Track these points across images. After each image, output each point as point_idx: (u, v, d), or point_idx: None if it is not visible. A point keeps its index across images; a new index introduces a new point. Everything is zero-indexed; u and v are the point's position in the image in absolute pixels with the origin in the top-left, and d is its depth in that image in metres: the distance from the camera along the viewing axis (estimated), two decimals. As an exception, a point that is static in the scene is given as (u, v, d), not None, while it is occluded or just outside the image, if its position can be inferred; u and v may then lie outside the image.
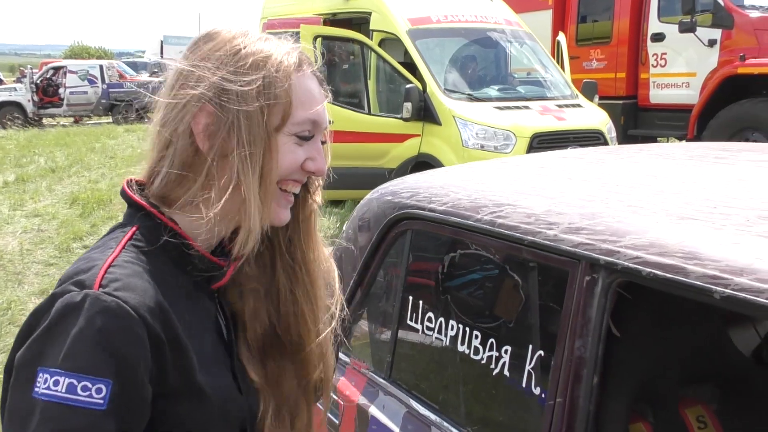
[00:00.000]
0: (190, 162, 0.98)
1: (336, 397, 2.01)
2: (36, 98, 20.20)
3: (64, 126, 20.21)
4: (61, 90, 20.60)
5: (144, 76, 24.30)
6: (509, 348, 1.54)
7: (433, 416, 1.71)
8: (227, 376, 1.04)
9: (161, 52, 32.60)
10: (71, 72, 20.87)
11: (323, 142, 1.06)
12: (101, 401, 0.84)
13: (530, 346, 1.49)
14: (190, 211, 0.99)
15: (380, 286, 2.02)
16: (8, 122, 18.79)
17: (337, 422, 1.99)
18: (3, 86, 23.08)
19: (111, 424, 0.85)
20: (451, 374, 1.74)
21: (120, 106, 20.26)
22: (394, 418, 1.80)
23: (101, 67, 21.43)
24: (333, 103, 7.84)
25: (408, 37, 7.95)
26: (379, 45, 8.37)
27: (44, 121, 20.75)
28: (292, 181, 1.02)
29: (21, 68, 36.50)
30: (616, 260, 1.30)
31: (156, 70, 27.75)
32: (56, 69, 21.50)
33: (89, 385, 0.83)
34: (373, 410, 1.86)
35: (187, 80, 0.98)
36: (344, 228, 2.21)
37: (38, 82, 20.46)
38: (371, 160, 7.51)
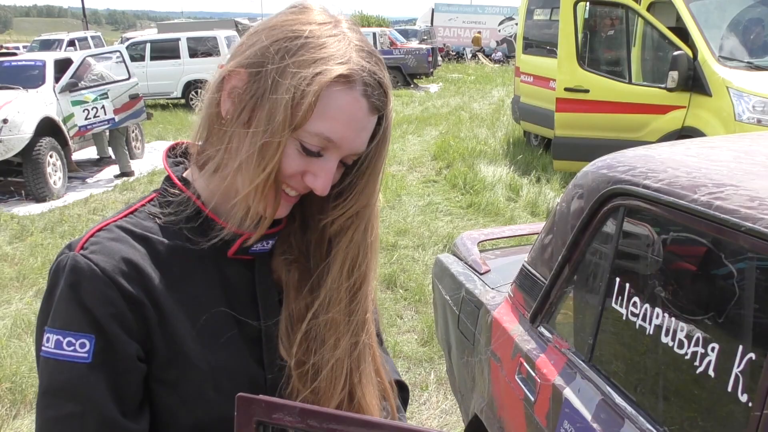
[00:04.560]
0: (213, 122, 0.97)
1: (534, 374, 1.95)
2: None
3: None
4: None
5: (413, 43, 25.20)
6: (717, 346, 1.37)
7: (629, 408, 1.59)
8: (232, 348, 0.98)
9: (431, 20, 33.58)
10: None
11: (348, 166, 0.99)
12: (86, 355, 0.88)
13: (740, 347, 1.30)
14: (214, 177, 0.98)
15: (589, 264, 1.90)
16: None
17: (533, 399, 1.93)
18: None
19: (99, 377, 0.88)
20: (652, 366, 1.59)
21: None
22: (588, 404, 1.70)
23: (374, 34, 22.58)
24: (591, 71, 7.53)
25: (681, -2, 7.30)
26: (648, 9, 7.80)
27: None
28: (287, 185, 0.96)
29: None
30: None
31: (425, 38, 28.66)
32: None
33: (73, 341, 0.88)
34: (568, 392, 1.77)
35: (250, 39, 0.95)
36: (559, 201, 2.10)
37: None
38: (628, 132, 7.06)
